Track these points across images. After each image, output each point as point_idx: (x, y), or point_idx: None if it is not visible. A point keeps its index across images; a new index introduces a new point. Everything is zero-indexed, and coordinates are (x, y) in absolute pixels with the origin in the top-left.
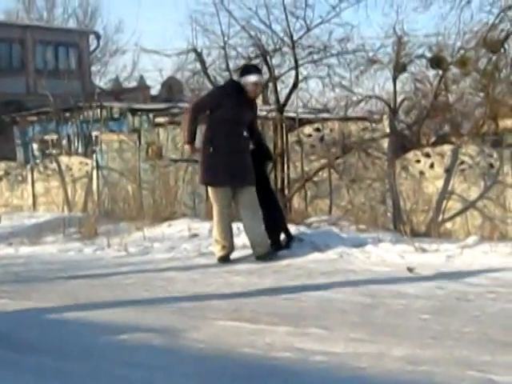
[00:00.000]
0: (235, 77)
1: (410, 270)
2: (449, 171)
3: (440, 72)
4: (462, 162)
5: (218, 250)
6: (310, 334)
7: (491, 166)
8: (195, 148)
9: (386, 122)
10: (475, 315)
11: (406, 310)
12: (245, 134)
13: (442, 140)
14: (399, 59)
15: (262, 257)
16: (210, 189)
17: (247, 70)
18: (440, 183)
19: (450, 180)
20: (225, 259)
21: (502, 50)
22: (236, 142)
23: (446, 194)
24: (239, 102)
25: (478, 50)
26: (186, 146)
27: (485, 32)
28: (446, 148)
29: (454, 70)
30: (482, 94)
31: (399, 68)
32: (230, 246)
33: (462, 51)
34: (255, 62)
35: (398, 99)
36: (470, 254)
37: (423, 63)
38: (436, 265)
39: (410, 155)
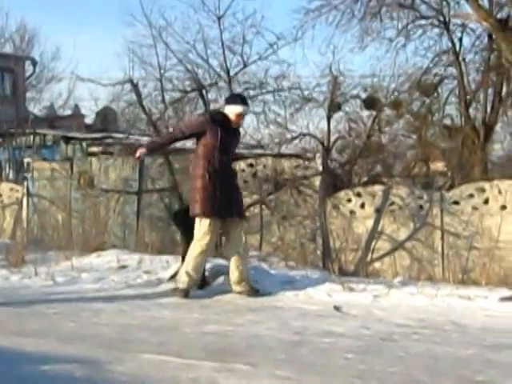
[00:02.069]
0: (170, 109)
1: (336, 308)
2: (379, 211)
3: (374, 113)
4: (393, 203)
5: (185, 282)
6: (235, 370)
7: (421, 207)
8: (140, 155)
9: (318, 161)
10: (400, 356)
11: (332, 349)
12: (230, 161)
13: (373, 180)
14: (334, 98)
15: (252, 293)
16: (202, 220)
17: (234, 99)
18: (370, 223)
19: (380, 220)
20: (188, 294)
21: (435, 94)
22: (228, 171)
23: (375, 233)
24: (225, 130)
25: (412, 93)
26: (141, 149)
27: (419, 75)
28: (377, 188)
29: (388, 112)
30: (414, 137)
31: (334, 107)
32: (197, 282)
33: (396, 93)
34: (191, 95)
35: (332, 138)
36: (396, 294)
37: (358, 103)
38: (363, 304)
39: (342, 194)
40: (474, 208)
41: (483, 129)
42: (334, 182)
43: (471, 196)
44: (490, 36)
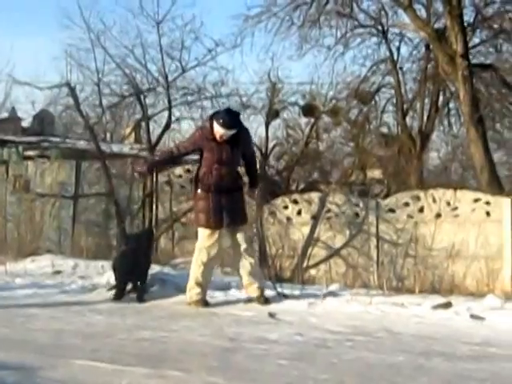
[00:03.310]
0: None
1: (271, 315)
2: (315, 218)
3: (312, 120)
4: (329, 210)
5: (196, 294)
6: (167, 377)
7: (357, 215)
8: (144, 172)
9: None
10: (333, 362)
11: (265, 355)
12: (233, 173)
13: (310, 187)
14: (272, 105)
15: (264, 300)
16: (201, 230)
17: (220, 119)
18: (306, 230)
19: (317, 227)
20: (204, 303)
21: (373, 102)
22: (228, 182)
23: (311, 240)
24: (217, 143)
25: (350, 101)
26: (142, 168)
27: (357, 83)
28: (314, 195)
29: (326, 119)
30: (351, 144)
31: (272, 114)
32: (206, 290)
33: (334, 101)
34: (128, 100)
35: (270, 145)
36: (331, 301)
37: (296, 110)
38: (298, 311)
39: (278, 201)
40: (409, 216)
41: (419, 137)
42: (272, 189)
43: (406, 204)
44: (427, 46)
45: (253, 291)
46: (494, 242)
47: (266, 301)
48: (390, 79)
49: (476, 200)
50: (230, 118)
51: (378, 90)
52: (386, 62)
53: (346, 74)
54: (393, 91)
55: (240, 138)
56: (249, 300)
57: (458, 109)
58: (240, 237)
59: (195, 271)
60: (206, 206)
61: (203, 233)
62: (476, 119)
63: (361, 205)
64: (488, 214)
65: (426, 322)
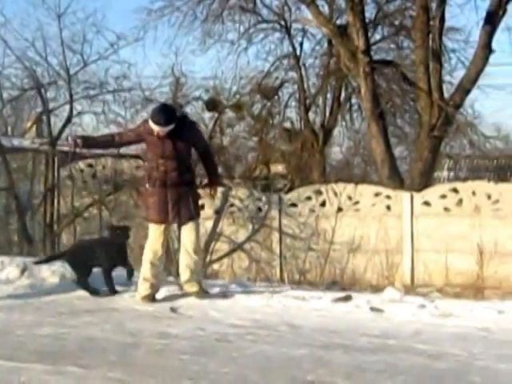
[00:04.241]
0: (8, 107)
1: (173, 310)
2: (218, 213)
3: (215, 115)
4: (232, 205)
5: (144, 289)
6: (67, 373)
7: (260, 209)
8: (74, 143)
9: None
10: (233, 356)
11: (167, 351)
12: (180, 167)
13: None
14: (176, 100)
15: (201, 294)
16: (149, 225)
17: (152, 115)
18: (210, 224)
19: (220, 222)
20: (151, 298)
21: (276, 97)
22: (174, 177)
23: (214, 235)
24: (159, 137)
25: (253, 96)
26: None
27: (260, 78)
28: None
29: (229, 114)
30: (255, 139)
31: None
32: (157, 286)
33: (237, 96)
34: (30, 93)
35: None
36: (233, 295)
37: (199, 105)
38: (199, 306)
39: None
40: (312, 210)
41: (322, 132)
42: None
43: (309, 198)
44: (329, 42)
45: (191, 286)
46: (393, 236)
47: (206, 293)
48: (293, 74)
49: (377, 194)
50: (163, 114)
51: (281, 85)
52: (289, 58)
53: (249, 68)
54: (296, 86)
55: (183, 132)
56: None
57: (360, 104)
58: (186, 233)
59: (143, 267)
60: (153, 202)
61: (151, 228)
62: (377, 114)
63: (263, 199)
64: (388, 207)
65: (327, 315)
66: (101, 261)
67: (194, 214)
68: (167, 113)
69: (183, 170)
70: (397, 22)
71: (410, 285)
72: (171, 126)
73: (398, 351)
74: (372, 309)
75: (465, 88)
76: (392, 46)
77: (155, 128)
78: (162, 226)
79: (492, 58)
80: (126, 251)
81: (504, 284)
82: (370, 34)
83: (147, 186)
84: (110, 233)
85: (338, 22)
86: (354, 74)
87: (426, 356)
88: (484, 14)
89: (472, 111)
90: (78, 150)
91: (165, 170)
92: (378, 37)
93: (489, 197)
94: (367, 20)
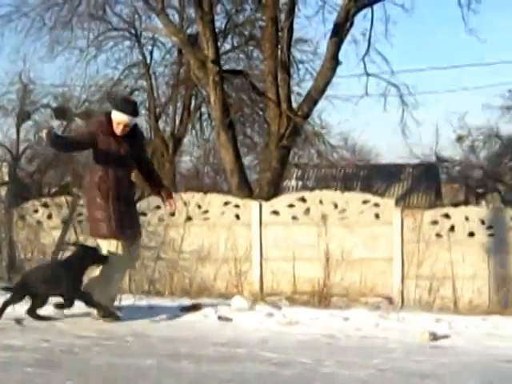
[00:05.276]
0: None
1: (18, 321)
2: (66, 223)
3: (64, 123)
4: (80, 214)
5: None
6: None
7: None
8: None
9: (5, 170)
10: (79, 368)
11: (11, 363)
12: (129, 177)
13: (63, 190)
14: (24, 107)
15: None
16: (106, 242)
17: (119, 105)
18: (57, 234)
19: (68, 231)
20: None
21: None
22: (124, 187)
23: (63, 245)
24: (116, 139)
25: (103, 104)
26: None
27: (109, 86)
28: (65, 199)
29: (79, 122)
30: None
31: (23, 116)
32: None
33: (86, 103)
34: None
35: (21, 147)
36: (79, 305)
37: (48, 112)
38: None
39: (28, 205)
40: (161, 219)
41: (172, 141)
42: (22, 193)
43: (158, 207)
44: (179, 51)
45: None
46: (242, 245)
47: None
48: (142, 83)
49: (226, 203)
50: (131, 104)
51: (131, 93)
52: (138, 66)
53: (98, 76)
54: (146, 95)
55: (135, 140)
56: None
57: (210, 113)
58: (133, 250)
59: (115, 287)
60: (106, 216)
61: (105, 245)
62: (227, 124)
63: None
64: (238, 216)
65: (175, 325)
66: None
67: (141, 232)
68: (134, 104)
69: (131, 181)
70: (246, 32)
71: (259, 293)
72: (137, 118)
73: (245, 360)
74: (220, 318)
75: (313, 98)
76: (242, 55)
77: (123, 118)
78: (119, 242)
79: (339, 70)
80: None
81: (350, 291)
82: (220, 44)
83: (97, 199)
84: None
85: (189, 31)
86: (204, 84)
87: (272, 364)
88: (331, 26)
89: (320, 121)
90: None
91: (117, 178)
92: (228, 47)
93: (335, 206)
94: (217, 30)
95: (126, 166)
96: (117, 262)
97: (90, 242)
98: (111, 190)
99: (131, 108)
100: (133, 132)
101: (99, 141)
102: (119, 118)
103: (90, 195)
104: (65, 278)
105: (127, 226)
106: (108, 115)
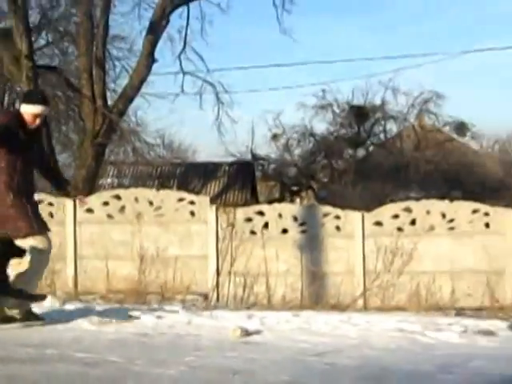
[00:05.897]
0: None
1: None
2: None
3: None
4: None
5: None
6: None
7: None
8: None
9: None
10: None
11: None
12: (33, 175)
13: None
14: None
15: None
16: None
17: (29, 97)
18: None
19: None
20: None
21: None
22: (31, 185)
23: None
24: (26, 135)
25: None
26: None
27: None
28: None
29: None
30: None
31: None
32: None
33: None
34: None
35: None
36: None
37: None
38: None
39: None
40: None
41: None
42: None
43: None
44: None
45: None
46: (56, 243)
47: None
48: None
49: (39, 202)
50: (41, 93)
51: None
52: None
53: None
54: None
55: (40, 139)
56: None
57: None
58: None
59: (34, 282)
60: (24, 213)
61: (26, 243)
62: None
63: None
64: (51, 215)
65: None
66: None
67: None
68: (43, 92)
69: (33, 180)
70: (61, 28)
71: (74, 292)
72: (49, 108)
73: (55, 360)
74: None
75: (128, 96)
76: (57, 51)
77: (36, 108)
78: (39, 237)
79: (155, 67)
80: None
81: (166, 289)
82: (34, 39)
83: (11, 197)
84: None
85: (2, 25)
86: (18, 79)
87: (83, 364)
88: (147, 24)
89: (135, 119)
90: None
91: (25, 176)
92: (42, 42)
93: (151, 203)
94: (31, 25)
95: (32, 165)
96: (43, 257)
97: None
98: (21, 187)
99: (42, 97)
100: (38, 131)
101: (10, 136)
102: (29, 111)
103: (6, 195)
104: None
105: (40, 219)
106: (18, 112)
